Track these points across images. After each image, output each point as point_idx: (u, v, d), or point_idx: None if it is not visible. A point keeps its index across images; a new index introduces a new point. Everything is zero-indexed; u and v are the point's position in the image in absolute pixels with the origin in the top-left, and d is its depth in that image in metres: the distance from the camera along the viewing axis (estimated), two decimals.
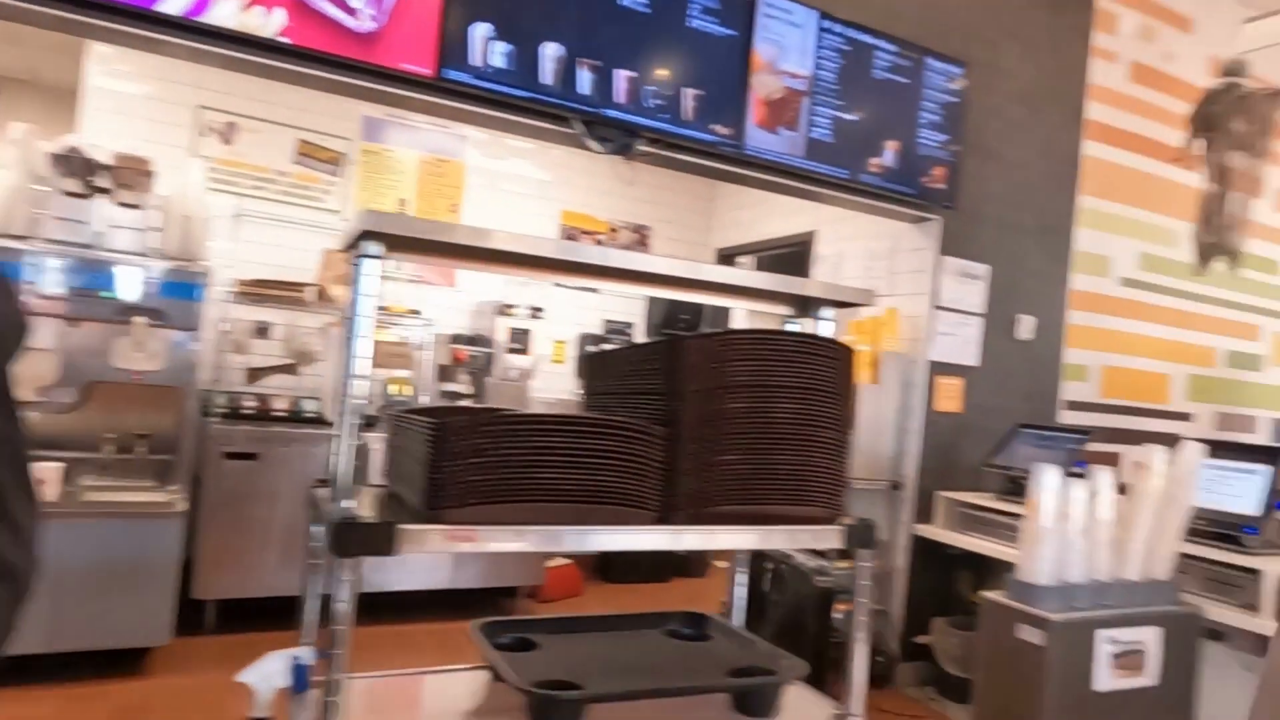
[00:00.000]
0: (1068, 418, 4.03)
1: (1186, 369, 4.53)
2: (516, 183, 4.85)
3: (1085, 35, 4.06)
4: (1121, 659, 2.28)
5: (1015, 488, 3.20)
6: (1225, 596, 2.53)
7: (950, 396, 3.68)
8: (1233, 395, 4.77)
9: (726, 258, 5.36)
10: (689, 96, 2.88)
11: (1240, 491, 2.64)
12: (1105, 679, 2.24)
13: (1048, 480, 2.27)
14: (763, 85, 3.04)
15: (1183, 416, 4.56)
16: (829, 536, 1.28)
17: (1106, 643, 2.25)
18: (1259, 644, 2.64)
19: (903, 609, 3.60)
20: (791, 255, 4.85)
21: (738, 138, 2.98)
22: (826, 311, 1.42)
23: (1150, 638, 2.34)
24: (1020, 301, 3.87)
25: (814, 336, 1.29)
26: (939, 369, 3.65)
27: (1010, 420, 3.68)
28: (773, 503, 1.20)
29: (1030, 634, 2.21)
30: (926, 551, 3.55)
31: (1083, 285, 4.09)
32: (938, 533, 3.49)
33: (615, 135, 2.81)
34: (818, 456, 1.22)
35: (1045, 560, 2.26)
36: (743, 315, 5.69)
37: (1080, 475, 2.98)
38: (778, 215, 4.84)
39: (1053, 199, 3.97)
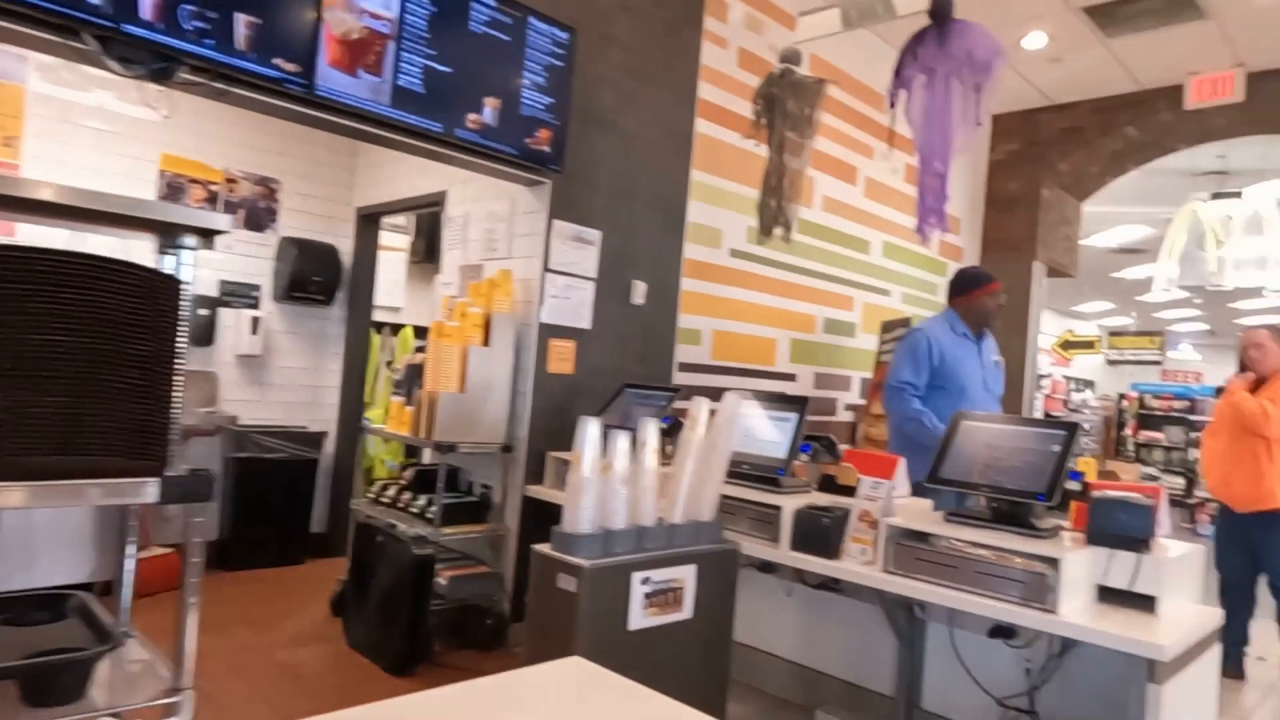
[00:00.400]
0: (680, 379, 4.30)
1: (790, 334, 5.06)
2: (100, 118, 4.16)
3: (698, 20, 4.31)
4: (655, 597, 2.42)
5: None
6: (761, 533, 2.80)
7: (563, 358, 3.75)
8: (830, 358, 5.43)
9: (368, 218, 5.06)
10: (242, 23, 2.58)
11: (777, 437, 2.94)
12: (639, 618, 2.37)
13: (589, 433, 2.33)
14: (339, 22, 2.82)
15: (789, 377, 5.10)
16: (139, 491, 1.14)
17: (640, 584, 2.37)
18: (796, 573, 2.98)
19: (514, 570, 3.64)
20: (431, 216, 4.68)
21: (307, 76, 2.74)
22: (188, 240, 1.27)
23: (687, 575, 2.51)
24: (634, 268, 4.04)
25: (89, 257, 1.13)
26: (551, 331, 3.70)
27: (625, 381, 3.84)
28: (36, 454, 1.04)
29: (566, 582, 2.27)
30: (539, 512, 3.59)
31: (695, 255, 4.38)
32: (547, 492, 3.55)
33: (144, 58, 2.44)
34: (107, 401, 1.07)
35: (586, 510, 2.33)
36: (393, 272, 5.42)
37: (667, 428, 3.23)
38: (418, 173, 4.64)
39: (666, 171, 4.19)
